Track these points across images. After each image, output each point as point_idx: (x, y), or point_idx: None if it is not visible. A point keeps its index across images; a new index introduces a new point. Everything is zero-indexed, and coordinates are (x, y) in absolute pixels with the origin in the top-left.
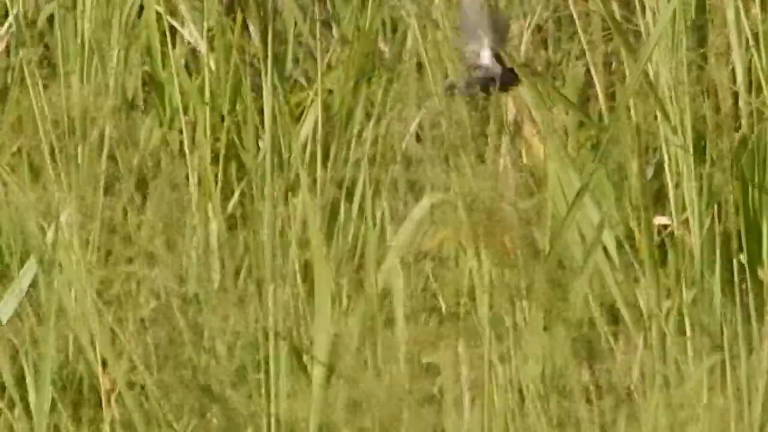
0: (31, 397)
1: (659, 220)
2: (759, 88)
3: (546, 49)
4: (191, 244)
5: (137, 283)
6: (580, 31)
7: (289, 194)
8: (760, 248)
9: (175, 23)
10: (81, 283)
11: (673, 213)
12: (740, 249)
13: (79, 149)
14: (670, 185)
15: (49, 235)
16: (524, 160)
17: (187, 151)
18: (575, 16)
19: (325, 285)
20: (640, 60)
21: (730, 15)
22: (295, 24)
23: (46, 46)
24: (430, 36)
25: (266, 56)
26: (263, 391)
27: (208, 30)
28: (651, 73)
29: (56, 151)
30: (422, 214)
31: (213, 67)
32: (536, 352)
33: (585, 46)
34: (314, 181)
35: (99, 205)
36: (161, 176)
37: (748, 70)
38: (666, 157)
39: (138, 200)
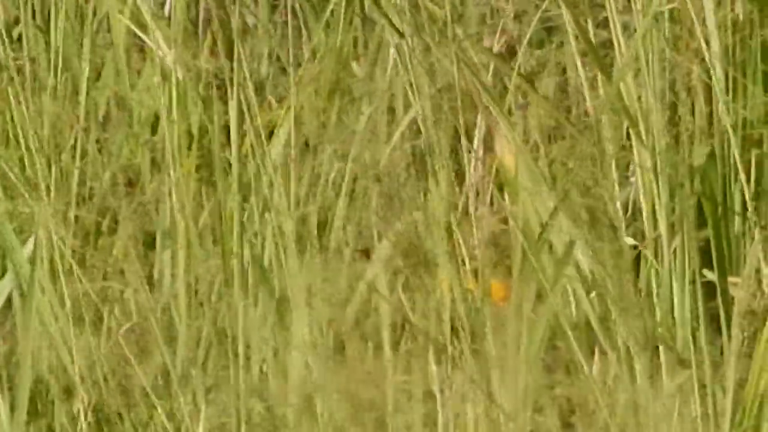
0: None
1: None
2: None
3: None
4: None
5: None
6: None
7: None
8: (729, 265)
9: (143, 36)
10: (56, 300)
11: (646, 230)
12: (710, 266)
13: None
14: (643, 204)
15: (26, 250)
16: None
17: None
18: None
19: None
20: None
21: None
22: (268, 39)
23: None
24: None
25: (231, 74)
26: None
27: (175, 44)
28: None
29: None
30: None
31: (181, 80)
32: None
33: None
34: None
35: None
36: (132, 193)
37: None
38: (639, 175)
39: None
